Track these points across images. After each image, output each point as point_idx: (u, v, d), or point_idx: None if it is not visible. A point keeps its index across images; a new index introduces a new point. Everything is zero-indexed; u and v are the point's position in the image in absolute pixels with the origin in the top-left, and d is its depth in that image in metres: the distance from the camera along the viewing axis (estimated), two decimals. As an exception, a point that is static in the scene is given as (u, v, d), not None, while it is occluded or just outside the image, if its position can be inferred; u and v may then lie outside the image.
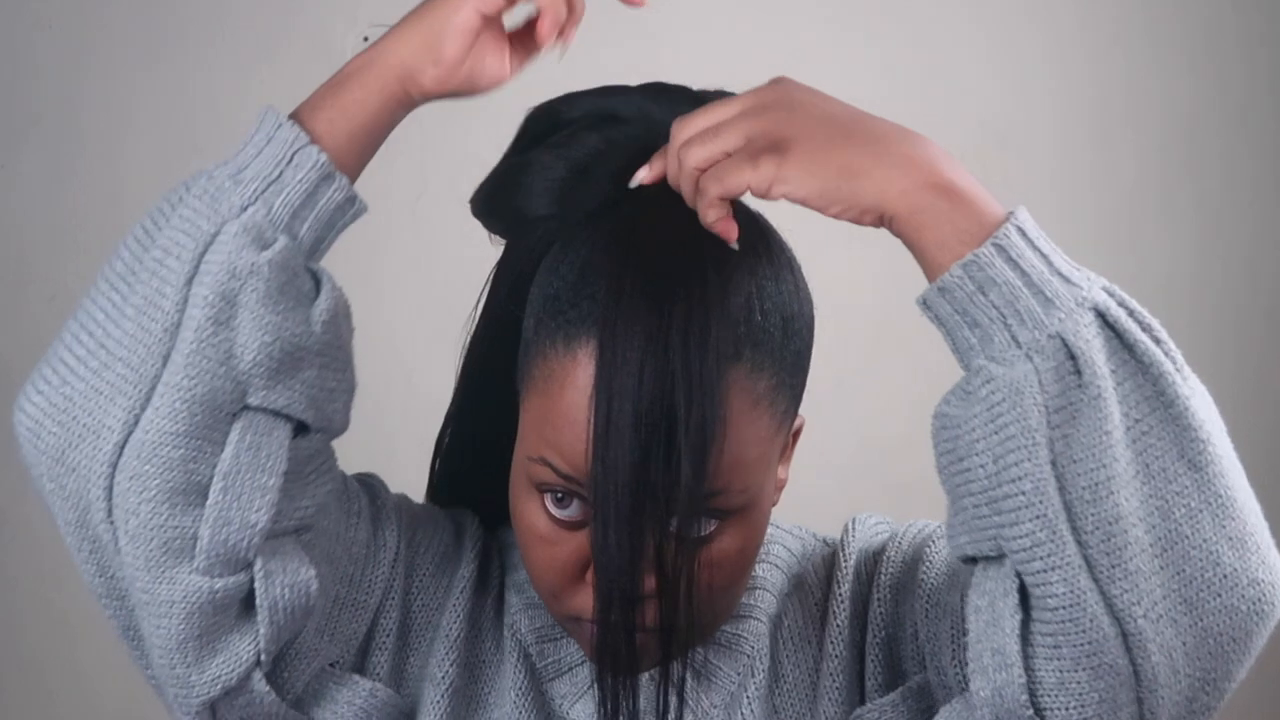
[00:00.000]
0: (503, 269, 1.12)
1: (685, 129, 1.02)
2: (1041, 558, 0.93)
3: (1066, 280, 0.95)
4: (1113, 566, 0.92)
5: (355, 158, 1.04)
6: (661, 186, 1.04)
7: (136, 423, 0.98)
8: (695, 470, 0.98)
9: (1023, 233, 0.96)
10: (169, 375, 0.98)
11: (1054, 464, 0.93)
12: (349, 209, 1.04)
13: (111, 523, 0.99)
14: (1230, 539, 0.94)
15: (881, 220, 0.98)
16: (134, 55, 2.29)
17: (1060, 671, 0.94)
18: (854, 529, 1.18)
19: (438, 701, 1.12)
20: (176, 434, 0.98)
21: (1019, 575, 0.95)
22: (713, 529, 1.02)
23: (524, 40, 1.07)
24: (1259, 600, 0.94)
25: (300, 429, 1.03)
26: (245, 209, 1.00)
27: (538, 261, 1.07)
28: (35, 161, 2.28)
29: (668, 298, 0.98)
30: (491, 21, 1.05)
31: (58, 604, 2.32)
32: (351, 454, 2.29)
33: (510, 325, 1.09)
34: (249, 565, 1.01)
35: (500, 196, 1.08)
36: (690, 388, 0.97)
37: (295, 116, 1.04)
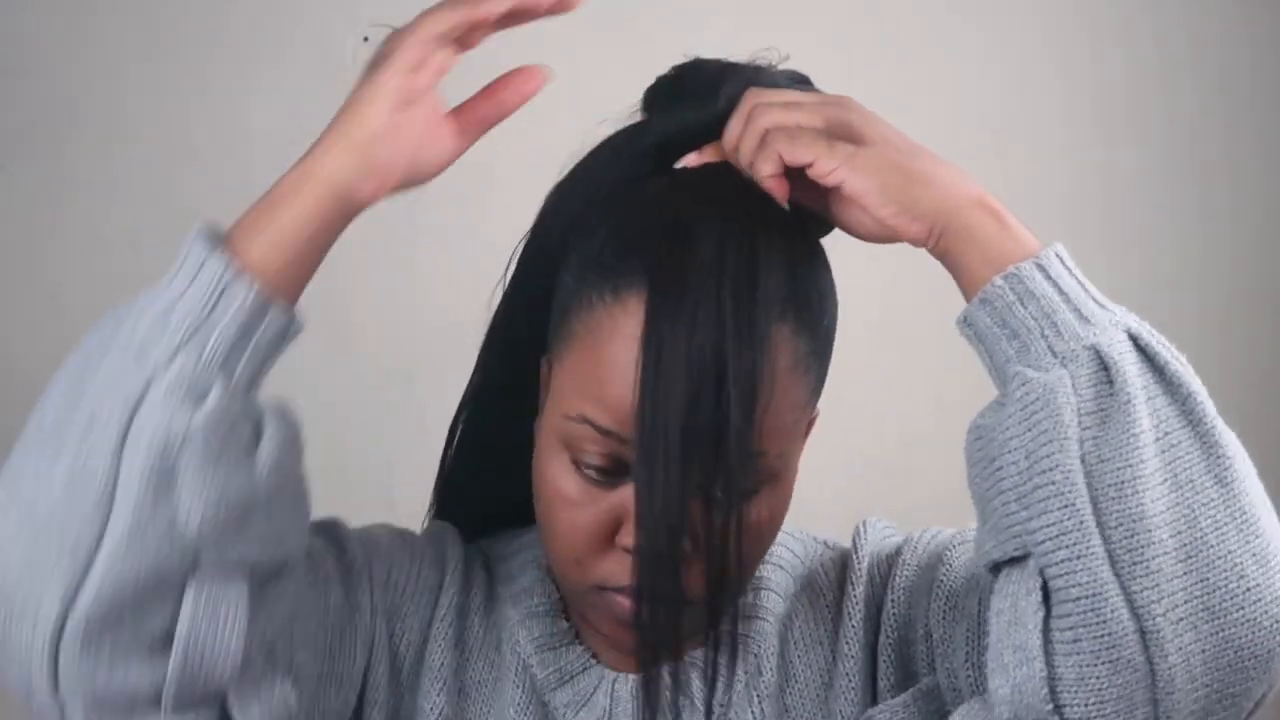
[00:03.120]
0: (535, 242, 1.13)
1: (763, 95, 1.06)
2: (1066, 546, 0.94)
3: (1101, 305, 1.00)
4: (1134, 563, 0.93)
5: (295, 279, 0.99)
6: (700, 176, 1.06)
7: (77, 594, 0.92)
8: (744, 418, 0.99)
9: (1061, 260, 1.01)
10: (110, 547, 0.92)
11: (1083, 460, 0.95)
12: (287, 334, 0.99)
13: (58, 696, 0.94)
14: (1255, 555, 0.95)
15: (930, 232, 1.02)
16: (133, 55, 2.28)
17: (1080, 666, 0.95)
18: (865, 532, 1.19)
19: None
20: (123, 605, 0.92)
21: (1042, 573, 0.96)
22: (751, 489, 1.03)
23: (479, 103, 1.06)
24: None
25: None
26: (175, 356, 0.94)
27: (569, 231, 1.09)
28: (34, 161, 2.28)
29: (719, 251, 1.01)
30: (420, 98, 1.01)
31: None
32: (353, 454, 2.29)
33: (538, 302, 1.10)
34: (222, 698, 0.97)
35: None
36: (741, 337, 0.99)
37: (229, 240, 0.98)
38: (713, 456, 0.99)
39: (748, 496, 1.03)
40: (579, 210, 1.09)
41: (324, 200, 0.99)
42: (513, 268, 1.14)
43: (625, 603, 1.05)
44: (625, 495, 1.03)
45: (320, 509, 2.48)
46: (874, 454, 2.39)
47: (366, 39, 2.32)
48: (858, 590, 1.15)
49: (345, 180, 1.00)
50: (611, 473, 1.03)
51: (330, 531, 1.13)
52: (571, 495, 1.04)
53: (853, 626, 1.14)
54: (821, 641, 1.15)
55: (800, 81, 1.11)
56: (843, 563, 1.18)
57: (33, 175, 2.28)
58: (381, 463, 2.11)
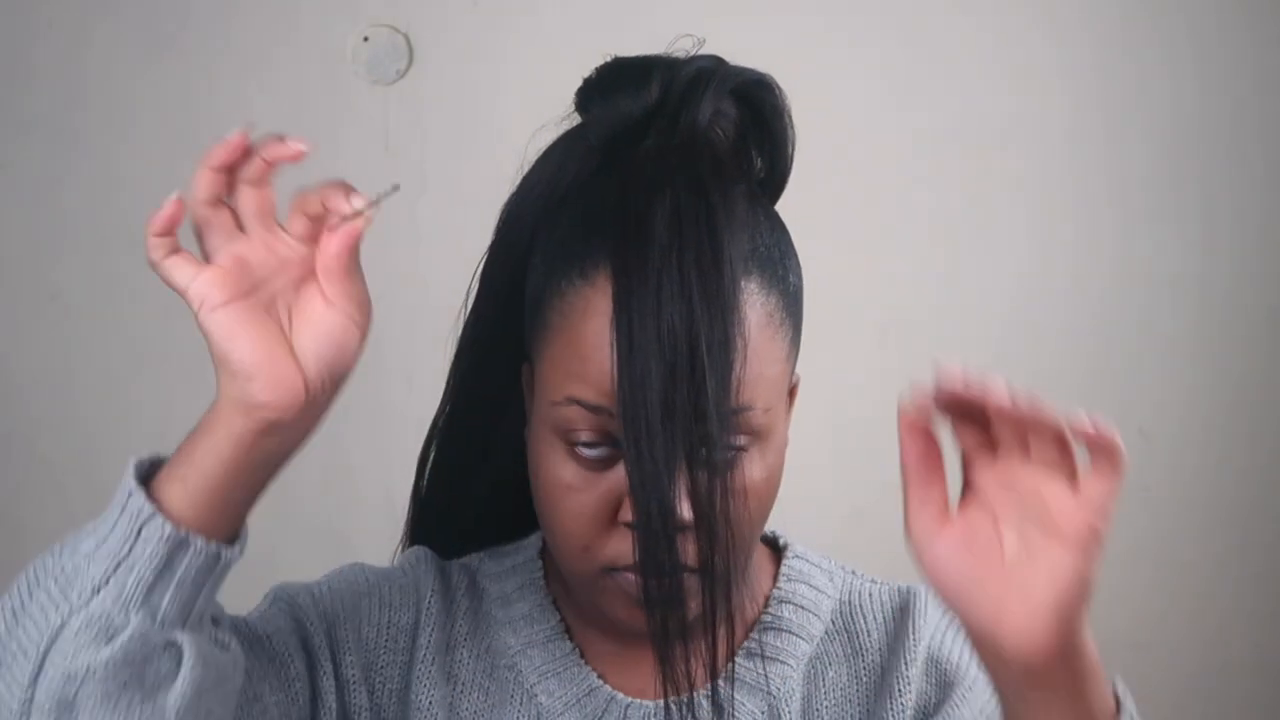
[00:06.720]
0: (497, 256, 1.12)
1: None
2: None
3: None
4: None
5: (220, 509, 0.96)
6: (655, 155, 1.05)
7: None
8: (721, 381, 0.99)
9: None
10: None
11: None
12: (217, 565, 0.96)
13: None
14: None
15: (1052, 656, 0.88)
16: (133, 55, 2.28)
17: None
18: (925, 611, 1.15)
19: None
20: None
21: None
22: (741, 446, 1.02)
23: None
24: None
25: None
26: (97, 593, 0.94)
27: (532, 237, 1.08)
28: (35, 161, 2.28)
29: (676, 221, 1.00)
30: (240, 273, 0.95)
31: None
32: (353, 456, 2.28)
33: (508, 314, 1.10)
34: None
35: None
36: (709, 300, 0.99)
37: (155, 477, 0.97)
38: (695, 423, 0.99)
39: (736, 456, 1.02)
40: (538, 215, 1.09)
41: (229, 418, 0.95)
42: (476, 288, 1.13)
43: (634, 579, 1.04)
44: (622, 474, 1.03)
45: (321, 509, 2.47)
46: (876, 464, 2.39)
47: (366, 39, 2.32)
48: (910, 671, 1.13)
49: (231, 391, 0.95)
50: (606, 451, 1.03)
51: (290, 607, 1.12)
52: (571, 481, 1.04)
53: (901, 705, 1.13)
54: (854, 700, 1.14)
55: (718, 65, 1.10)
56: (893, 616, 1.16)
57: (34, 174, 2.28)
58: (382, 463, 2.11)
